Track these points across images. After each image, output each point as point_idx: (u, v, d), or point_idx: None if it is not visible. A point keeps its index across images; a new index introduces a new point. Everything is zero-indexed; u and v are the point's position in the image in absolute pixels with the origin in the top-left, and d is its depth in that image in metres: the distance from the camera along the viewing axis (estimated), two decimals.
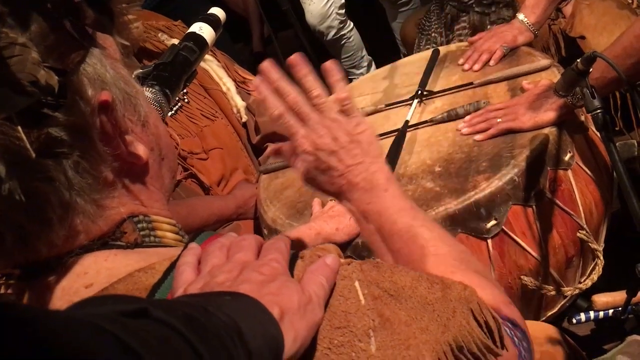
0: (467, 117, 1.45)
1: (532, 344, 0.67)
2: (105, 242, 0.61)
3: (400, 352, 0.54)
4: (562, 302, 1.42)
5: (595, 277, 1.40)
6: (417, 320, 0.57)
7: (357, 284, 0.57)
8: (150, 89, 0.85)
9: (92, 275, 0.59)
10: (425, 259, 0.70)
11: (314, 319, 0.53)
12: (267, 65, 0.76)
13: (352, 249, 1.24)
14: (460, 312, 0.59)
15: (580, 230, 1.34)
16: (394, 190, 0.75)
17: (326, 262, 0.57)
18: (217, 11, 1.03)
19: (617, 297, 1.47)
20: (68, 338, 0.36)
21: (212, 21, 1.00)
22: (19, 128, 0.51)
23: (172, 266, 0.58)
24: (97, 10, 0.60)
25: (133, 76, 0.67)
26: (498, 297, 0.67)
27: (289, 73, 0.76)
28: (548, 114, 1.33)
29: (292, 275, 0.57)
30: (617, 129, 1.77)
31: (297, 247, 0.64)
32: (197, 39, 0.96)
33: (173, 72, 0.90)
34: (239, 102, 1.72)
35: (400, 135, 1.48)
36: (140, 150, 0.63)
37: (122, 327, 0.39)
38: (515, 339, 0.64)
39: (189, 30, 0.99)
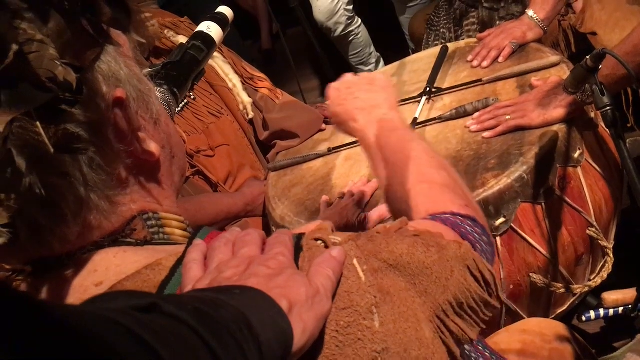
0: (476, 114, 1.44)
1: (491, 236, 0.74)
2: (115, 239, 0.61)
3: (401, 325, 0.55)
4: (572, 300, 1.41)
5: (605, 274, 1.39)
6: (416, 285, 0.59)
7: (355, 261, 0.58)
8: (159, 88, 0.86)
9: (101, 273, 0.60)
10: (404, 170, 0.81)
11: (322, 310, 0.53)
12: None
13: None
14: (458, 271, 0.61)
15: (589, 228, 1.33)
16: (394, 114, 0.93)
17: (332, 255, 0.58)
18: (225, 10, 1.03)
19: (628, 294, 1.46)
20: (83, 331, 0.36)
21: (220, 20, 1.00)
22: (38, 123, 0.52)
23: (179, 262, 0.59)
24: (114, 8, 0.60)
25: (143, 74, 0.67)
26: (457, 201, 0.74)
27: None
28: (557, 111, 1.32)
29: (297, 267, 0.58)
30: (629, 125, 1.76)
31: None
32: (205, 38, 0.96)
33: (181, 72, 0.91)
34: (245, 99, 1.72)
35: None
36: (153, 147, 0.63)
37: (136, 321, 0.40)
38: (476, 234, 0.70)
39: (196, 29, 0.99)
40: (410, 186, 0.77)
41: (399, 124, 0.91)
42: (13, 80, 0.50)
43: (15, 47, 0.50)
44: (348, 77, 1.00)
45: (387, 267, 0.58)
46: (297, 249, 0.60)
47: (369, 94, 0.95)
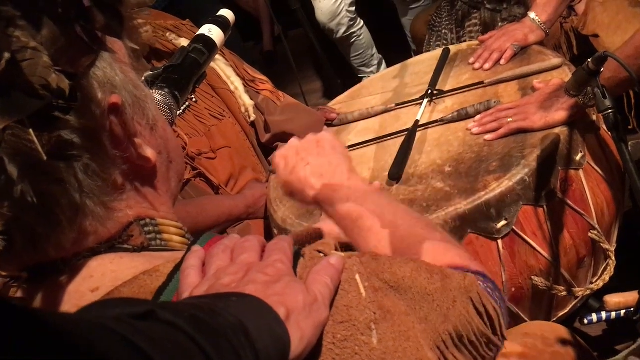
0: (478, 117, 1.44)
1: (502, 292, 0.70)
2: (112, 245, 0.61)
3: (401, 343, 0.55)
4: (574, 303, 1.41)
5: (607, 277, 1.39)
6: (416, 310, 0.58)
7: (357, 277, 0.58)
8: (160, 91, 0.86)
9: (97, 279, 0.60)
10: (395, 234, 0.74)
11: (319, 318, 0.53)
12: None
13: None
14: (460, 302, 0.60)
15: (591, 231, 1.33)
16: (357, 177, 0.85)
17: (330, 262, 0.57)
18: (226, 13, 1.03)
19: (630, 297, 1.46)
20: (79, 339, 0.36)
21: (221, 23, 1.00)
22: (31, 131, 0.52)
23: (177, 269, 0.59)
24: (107, 15, 0.60)
25: (142, 78, 0.67)
26: (464, 256, 0.70)
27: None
28: (559, 114, 1.32)
29: (295, 274, 0.58)
30: (630, 127, 1.76)
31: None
32: (206, 41, 0.96)
33: (182, 75, 0.91)
34: (247, 101, 1.72)
35: (410, 135, 1.48)
36: (149, 153, 0.63)
37: (132, 329, 0.40)
38: (489, 290, 0.67)
39: (198, 32, 0.99)
40: (410, 249, 0.71)
41: (366, 187, 0.84)
42: (6, 88, 0.50)
43: (7, 55, 0.50)
44: (293, 141, 0.91)
45: (388, 288, 0.58)
46: (297, 256, 0.60)
47: (320, 157, 0.86)
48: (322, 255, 0.60)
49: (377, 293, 0.57)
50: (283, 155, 0.90)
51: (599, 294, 1.46)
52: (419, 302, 0.58)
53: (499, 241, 1.25)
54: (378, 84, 1.87)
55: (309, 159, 0.87)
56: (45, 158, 0.53)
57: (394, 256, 0.63)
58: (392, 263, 0.60)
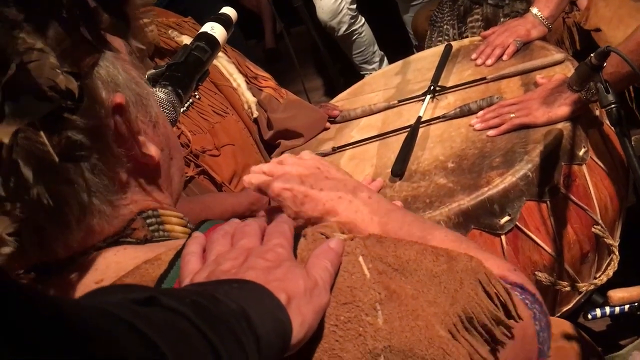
0: (480, 113, 1.44)
1: (544, 305, 0.66)
2: (116, 240, 0.62)
3: (409, 322, 0.54)
4: (577, 298, 1.41)
5: (610, 272, 1.39)
6: (423, 293, 0.57)
7: (361, 258, 0.57)
8: (163, 89, 0.86)
9: (101, 271, 0.60)
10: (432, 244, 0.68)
11: (320, 302, 0.53)
12: None
13: None
14: (467, 283, 0.58)
15: (595, 226, 1.33)
16: (376, 194, 0.76)
17: (330, 246, 0.57)
18: (228, 10, 1.03)
19: (633, 292, 1.46)
20: (83, 324, 0.37)
21: (224, 20, 1.01)
22: (42, 133, 0.52)
23: (177, 256, 0.59)
24: (113, 15, 0.60)
25: (146, 76, 0.68)
26: (502, 266, 0.66)
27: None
28: (562, 109, 1.32)
29: (296, 255, 0.58)
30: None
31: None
32: (209, 38, 0.97)
33: (185, 72, 0.91)
34: (250, 98, 1.72)
35: (412, 132, 1.48)
36: (153, 150, 0.64)
37: (134, 314, 0.40)
38: (527, 302, 0.64)
39: (200, 30, 0.99)
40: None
41: (388, 203, 0.76)
42: (16, 91, 0.51)
43: (16, 58, 0.50)
44: (289, 172, 0.78)
45: (392, 271, 0.57)
46: (297, 237, 0.60)
47: (330, 181, 0.76)
48: (324, 237, 0.60)
49: (382, 275, 0.56)
50: (286, 187, 0.75)
51: (602, 289, 1.47)
52: (426, 285, 0.57)
53: (502, 237, 1.25)
54: (380, 81, 1.87)
55: (321, 184, 0.75)
56: (57, 160, 0.53)
57: (398, 238, 0.62)
58: (396, 246, 0.60)
